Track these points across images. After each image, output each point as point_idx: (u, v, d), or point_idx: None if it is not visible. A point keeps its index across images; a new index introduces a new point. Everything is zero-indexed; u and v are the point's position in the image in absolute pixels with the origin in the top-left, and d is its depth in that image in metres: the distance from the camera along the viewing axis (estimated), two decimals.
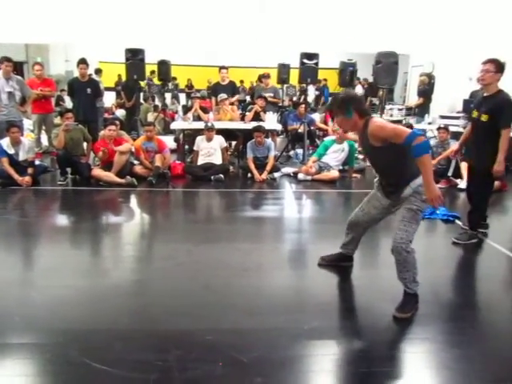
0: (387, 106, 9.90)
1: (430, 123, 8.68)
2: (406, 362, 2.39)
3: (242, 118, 7.66)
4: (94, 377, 2.14)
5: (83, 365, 2.21)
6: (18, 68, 10.59)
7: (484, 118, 3.73)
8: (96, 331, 2.58)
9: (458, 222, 4.60)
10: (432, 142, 6.29)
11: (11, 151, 5.78)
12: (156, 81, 10.04)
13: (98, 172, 6.01)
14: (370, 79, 10.97)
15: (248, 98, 12.08)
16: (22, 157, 5.87)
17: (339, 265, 3.41)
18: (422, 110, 9.47)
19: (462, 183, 5.68)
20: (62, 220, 4.90)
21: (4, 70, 6.34)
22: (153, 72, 11.68)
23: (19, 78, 6.75)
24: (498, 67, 3.66)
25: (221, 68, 7.91)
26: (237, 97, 8.48)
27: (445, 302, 3.09)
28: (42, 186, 5.87)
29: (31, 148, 6.03)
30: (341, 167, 6.75)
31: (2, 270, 3.39)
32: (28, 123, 7.66)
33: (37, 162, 6.24)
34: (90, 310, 2.85)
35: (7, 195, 5.48)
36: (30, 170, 5.79)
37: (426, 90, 9.42)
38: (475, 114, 3.87)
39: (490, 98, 3.75)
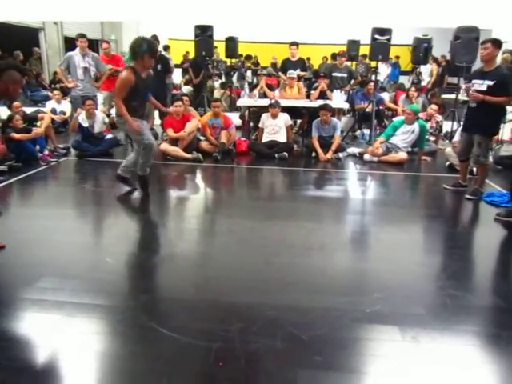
0: (463, 85, 9.24)
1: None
2: (469, 355, 2.27)
3: (308, 96, 7.53)
4: (161, 341, 2.25)
5: (151, 329, 2.32)
6: (93, 45, 11.05)
7: None
8: (163, 299, 2.72)
9: None
10: None
11: (86, 124, 6.14)
12: (223, 57, 10.08)
13: (165, 147, 6.19)
14: (447, 56, 10.29)
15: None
16: (96, 129, 6.23)
17: None
18: None
19: None
20: (131, 191, 5.12)
21: (80, 46, 6.64)
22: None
23: (95, 54, 7.03)
24: None
25: (291, 44, 7.82)
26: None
27: None
28: (114, 159, 6.16)
29: (104, 120, 6.38)
30: (409, 149, 6.47)
31: (78, 236, 3.63)
32: (102, 98, 8.00)
33: (109, 136, 6.55)
34: (156, 278, 3.00)
35: (83, 166, 5.82)
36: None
37: (510, 69, 8.69)
38: None
39: None
